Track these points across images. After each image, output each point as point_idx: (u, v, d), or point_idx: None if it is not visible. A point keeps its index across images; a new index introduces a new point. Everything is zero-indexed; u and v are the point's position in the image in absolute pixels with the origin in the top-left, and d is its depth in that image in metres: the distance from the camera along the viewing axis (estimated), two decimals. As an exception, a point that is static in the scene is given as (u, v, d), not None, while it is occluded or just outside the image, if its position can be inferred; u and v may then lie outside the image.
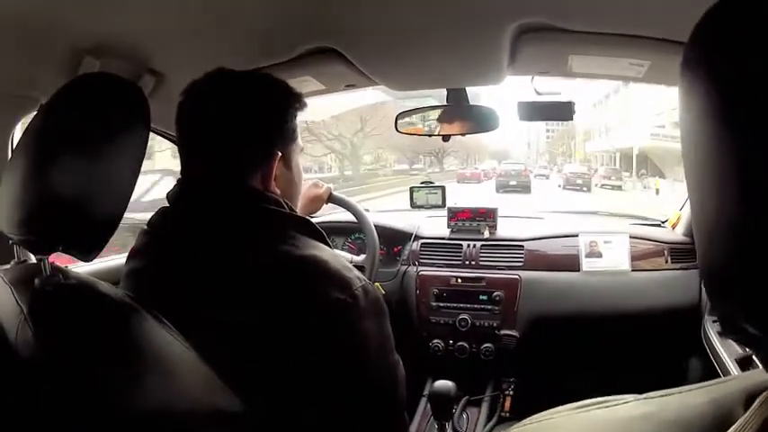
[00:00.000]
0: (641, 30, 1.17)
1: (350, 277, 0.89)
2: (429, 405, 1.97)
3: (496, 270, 2.18)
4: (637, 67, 1.34)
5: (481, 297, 2.15)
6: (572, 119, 1.63)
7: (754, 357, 1.58)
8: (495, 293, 2.13)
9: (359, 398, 0.89)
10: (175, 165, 1.06)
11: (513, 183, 24.17)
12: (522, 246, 2.22)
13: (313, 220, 1.02)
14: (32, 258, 1.10)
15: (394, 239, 2.34)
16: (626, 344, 2.17)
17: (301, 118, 1.06)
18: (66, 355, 0.63)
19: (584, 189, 24.81)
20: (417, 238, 2.33)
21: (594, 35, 1.19)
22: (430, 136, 1.81)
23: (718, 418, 0.40)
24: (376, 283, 1.89)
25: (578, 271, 2.12)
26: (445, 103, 1.73)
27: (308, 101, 1.09)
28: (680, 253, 2.14)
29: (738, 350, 1.66)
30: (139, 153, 0.78)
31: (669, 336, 2.10)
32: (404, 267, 2.28)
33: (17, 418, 0.60)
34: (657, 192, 21.17)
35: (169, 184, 1.05)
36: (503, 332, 2.10)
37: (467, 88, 1.69)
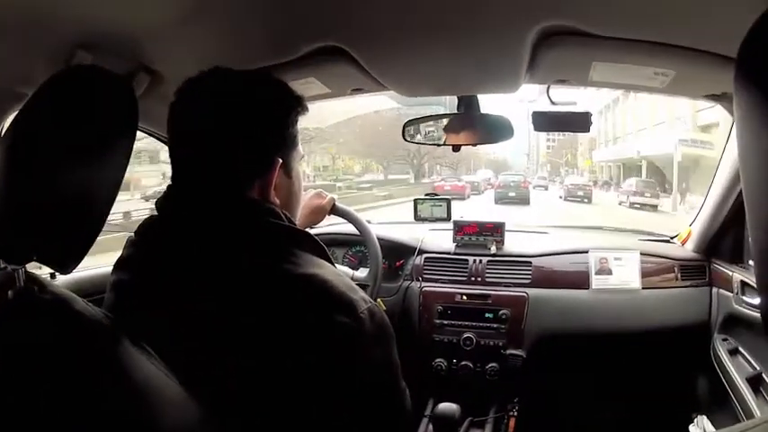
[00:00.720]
0: (669, 37, 1.14)
1: (355, 299, 0.84)
2: (431, 426, 1.94)
3: (503, 287, 2.14)
4: (661, 77, 1.31)
5: (487, 315, 2.09)
6: (588, 130, 1.59)
7: (763, 375, 1.55)
8: (501, 311, 2.08)
9: (361, 428, 0.85)
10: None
11: (511, 194, 24.23)
12: (530, 262, 2.17)
13: (312, 232, 0.98)
14: None
15: (397, 253, 2.28)
16: (635, 362, 2.15)
17: (305, 124, 1.00)
18: (26, 378, 0.61)
19: (586, 201, 24.99)
20: (421, 252, 2.28)
21: (621, 41, 1.15)
22: (439, 146, 1.77)
23: None
24: (378, 299, 1.83)
25: (587, 288, 2.08)
26: (455, 111, 1.68)
27: (313, 105, 1.03)
28: (690, 270, 2.11)
29: (749, 369, 1.66)
30: (125, 154, 0.74)
31: (678, 354, 2.08)
32: (406, 282, 2.22)
33: None
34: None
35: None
36: (509, 351, 2.05)
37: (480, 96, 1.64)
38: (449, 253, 2.27)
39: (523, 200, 23.86)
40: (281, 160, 0.92)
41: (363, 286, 1.73)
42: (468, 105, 1.64)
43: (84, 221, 0.71)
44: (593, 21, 1.08)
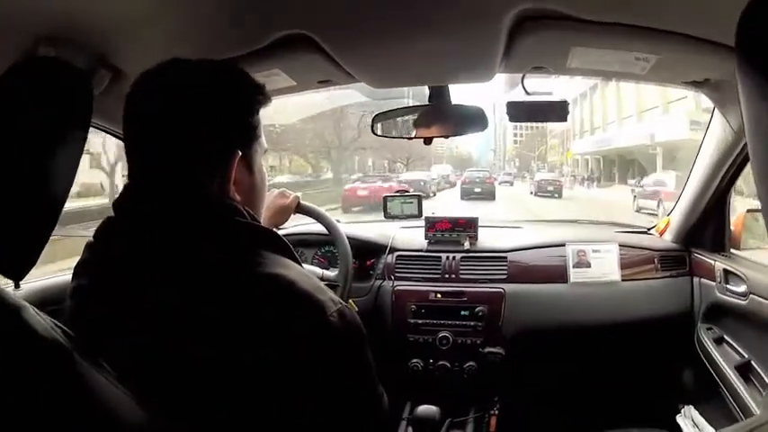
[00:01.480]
0: (651, 21, 1.13)
1: (323, 300, 0.81)
2: (410, 429, 1.92)
3: (478, 283, 2.13)
4: (642, 63, 1.30)
5: (463, 313, 2.08)
6: (566, 119, 1.58)
7: (753, 363, 1.57)
8: (477, 308, 2.06)
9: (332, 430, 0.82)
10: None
11: (477, 190, 24.66)
12: (506, 257, 2.17)
13: (279, 232, 0.93)
14: None
15: (367, 252, 2.24)
16: (618, 355, 2.15)
17: (271, 120, 0.95)
18: None
19: (556, 195, 25.40)
20: (393, 250, 2.25)
21: (601, 25, 1.14)
22: (409, 139, 1.74)
23: None
24: (349, 300, 1.80)
25: (566, 282, 2.09)
26: (426, 103, 1.65)
27: (278, 100, 0.98)
28: (670, 260, 2.14)
29: (737, 357, 1.70)
30: (77, 150, 0.73)
31: (662, 345, 2.10)
32: (378, 282, 2.19)
33: None
34: None
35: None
36: (487, 349, 2.04)
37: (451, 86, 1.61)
38: (421, 250, 2.26)
39: (489, 195, 24.29)
40: (240, 153, 0.88)
41: (333, 286, 1.70)
42: (439, 97, 1.61)
43: (34, 224, 0.68)
44: (572, 3, 1.06)
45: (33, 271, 0.72)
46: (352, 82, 1.50)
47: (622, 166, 29.40)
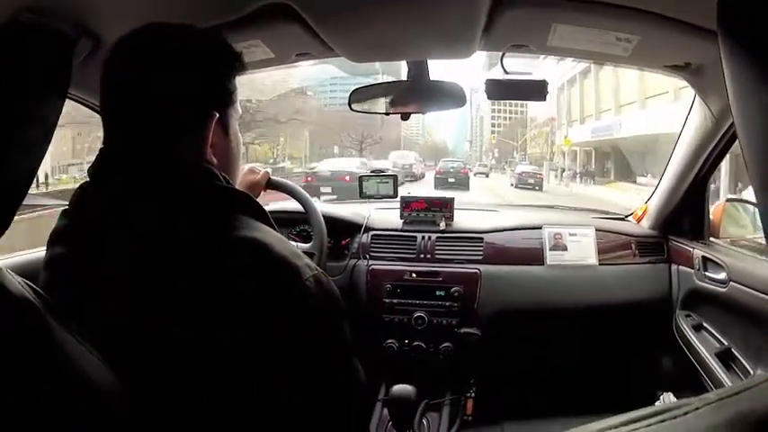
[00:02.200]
0: (636, 1, 1.15)
1: (299, 265, 0.82)
2: (386, 411, 1.94)
3: (454, 264, 2.14)
4: (624, 44, 1.31)
5: (438, 293, 2.09)
6: (545, 99, 1.61)
7: (733, 350, 1.61)
8: (453, 289, 2.08)
9: (310, 405, 0.83)
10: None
11: (451, 180, 25.15)
12: (482, 238, 2.18)
13: None
14: None
15: (342, 231, 2.24)
16: (595, 339, 2.18)
17: (248, 95, 0.95)
18: None
19: (537, 188, 25.99)
20: (368, 229, 2.26)
21: (583, 3, 1.17)
22: (387, 114, 1.75)
23: None
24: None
25: (542, 264, 2.11)
26: (404, 79, 1.66)
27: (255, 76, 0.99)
28: (648, 246, 2.17)
29: (716, 344, 1.71)
30: (53, 115, 0.73)
31: (639, 330, 2.13)
32: (353, 261, 2.19)
33: None
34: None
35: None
36: (463, 330, 2.06)
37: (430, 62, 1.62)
38: (396, 230, 2.27)
39: (463, 184, 24.61)
40: (217, 114, 0.88)
41: (311, 257, 1.69)
42: (417, 72, 1.62)
43: (5, 189, 0.68)
44: None
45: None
46: (330, 56, 1.50)
47: (619, 159, 27.61)
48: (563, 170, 33.22)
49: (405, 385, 1.57)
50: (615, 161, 28.44)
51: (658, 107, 21.53)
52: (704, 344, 1.75)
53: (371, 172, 2.37)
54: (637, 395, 2.09)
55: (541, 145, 46.15)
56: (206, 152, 0.87)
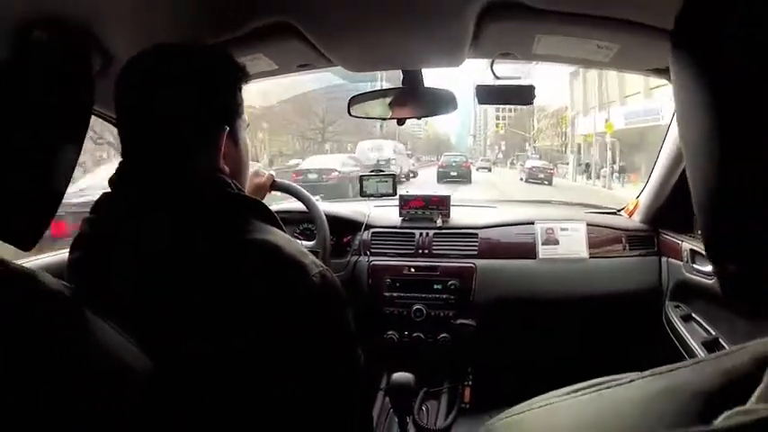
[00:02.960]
0: (611, 11, 1.21)
1: (306, 263, 0.88)
2: (387, 399, 2.02)
3: (450, 258, 2.24)
4: (605, 50, 1.38)
5: (436, 286, 2.20)
6: (532, 102, 1.69)
7: (720, 340, 1.68)
8: (449, 282, 2.18)
9: (317, 390, 0.88)
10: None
11: (453, 174, 25.44)
12: (477, 234, 2.28)
13: None
14: None
15: (343, 228, 2.35)
16: (587, 329, 2.25)
17: (252, 101, 1.04)
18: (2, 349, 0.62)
19: (546, 183, 25.92)
20: (368, 227, 2.37)
21: (563, 15, 1.22)
22: (384, 119, 1.84)
23: (736, 388, 0.41)
24: None
25: (535, 258, 2.20)
26: (400, 86, 1.74)
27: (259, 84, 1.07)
28: (638, 240, 2.23)
29: (704, 334, 1.75)
30: (80, 134, 0.77)
31: (630, 321, 2.18)
32: (354, 258, 2.30)
33: None
34: None
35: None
36: (459, 321, 2.16)
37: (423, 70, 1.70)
38: (395, 227, 2.37)
39: (465, 178, 24.89)
40: (228, 128, 0.94)
41: (316, 255, 1.79)
42: (412, 80, 1.70)
43: (41, 200, 0.73)
44: None
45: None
46: (330, 66, 1.58)
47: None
48: (587, 165, 29.61)
49: (405, 373, 1.64)
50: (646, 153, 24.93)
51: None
52: (692, 334, 1.80)
53: (371, 172, 2.46)
54: None
55: (551, 137, 43.98)
56: (219, 162, 0.93)
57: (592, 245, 2.20)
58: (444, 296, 2.19)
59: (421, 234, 2.31)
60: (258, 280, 0.83)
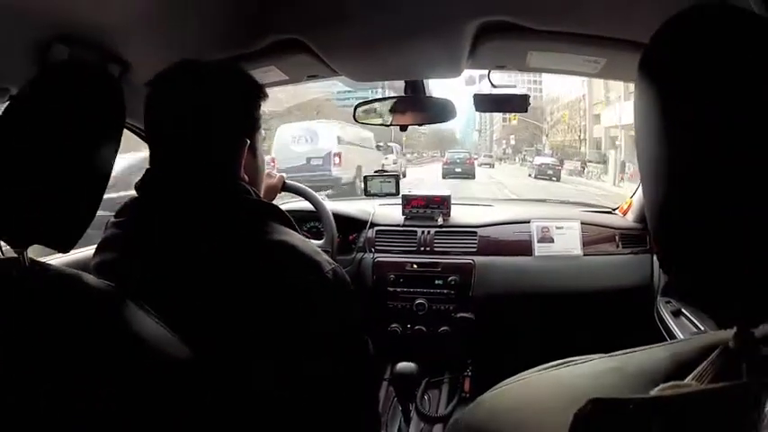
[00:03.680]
0: (599, 30, 1.29)
1: (320, 261, 0.96)
2: (391, 389, 2.12)
3: (451, 255, 2.36)
4: (593, 64, 1.46)
5: (437, 282, 2.32)
6: (526, 110, 1.81)
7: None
8: (450, 278, 2.30)
9: (330, 374, 0.96)
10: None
11: (458, 170, 25.85)
12: (476, 232, 2.39)
13: None
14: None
15: (349, 227, 2.45)
16: (581, 323, 2.33)
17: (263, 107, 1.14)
18: (54, 346, 0.66)
19: (554, 179, 26.20)
20: (373, 225, 2.48)
21: (552, 33, 1.31)
22: (388, 126, 1.95)
23: (680, 368, 0.47)
24: None
25: (531, 256, 2.31)
26: (403, 94, 1.85)
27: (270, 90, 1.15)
28: (631, 238, 2.32)
29: (692, 328, 1.82)
30: (114, 143, 0.80)
31: (623, 315, 2.24)
32: (360, 254, 2.42)
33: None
34: None
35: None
36: (459, 315, 2.28)
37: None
38: (399, 225, 2.48)
39: (469, 174, 25.23)
40: (248, 141, 1.03)
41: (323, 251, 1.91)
42: (414, 88, 1.80)
43: (81, 205, 0.76)
44: (526, 16, 1.23)
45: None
46: (335, 76, 1.67)
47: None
48: (623, 164, 25.00)
49: (408, 363, 1.74)
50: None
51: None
52: (681, 328, 1.84)
53: (375, 172, 2.55)
54: None
55: (564, 132, 42.31)
56: (240, 172, 1.02)
57: (586, 243, 2.30)
58: (445, 291, 2.30)
59: (423, 232, 2.42)
60: (278, 276, 0.91)
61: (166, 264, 0.92)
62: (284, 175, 1.81)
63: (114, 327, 0.74)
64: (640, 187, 2.18)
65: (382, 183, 2.50)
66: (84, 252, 1.67)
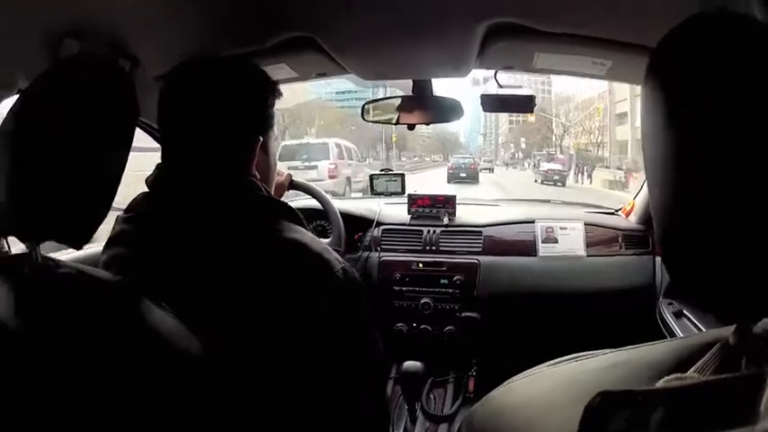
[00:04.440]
0: (605, 33, 1.31)
1: (330, 259, 0.98)
2: (397, 388, 2.13)
3: (456, 255, 2.38)
4: (599, 66, 1.49)
5: (442, 281, 2.34)
6: (532, 111, 1.84)
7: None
8: (455, 277, 2.33)
9: (340, 370, 0.97)
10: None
11: (462, 174, 26.65)
12: (481, 232, 2.42)
13: None
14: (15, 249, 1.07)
15: (355, 225, 2.47)
16: (583, 322, 2.32)
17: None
18: (69, 341, 0.67)
19: (559, 184, 26.51)
20: (379, 224, 2.51)
21: (559, 35, 1.33)
22: (395, 124, 1.98)
23: (683, 362, 0.49)
24: None
25: (535, 256, 2.34)
26: (410, 94, 1.88)
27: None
28: (634, 240, 2.34)
29: (694, 330, 1.84)
30: (127, 139, 0.81)
31: (625, 316, 2.24)
32: (365, 253, 2.44)
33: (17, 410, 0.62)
34: None
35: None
36: (464, 314, 2.30)
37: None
38: (404, 224, 2.51)
39: (473, 178, 26.09)
40: (261, 139, 1.05)
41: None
42: (421, 88, 1.84)
43: (94, 201, 0.77)
44: (534, 18, 1.25)
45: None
46: (344, 74, 1.69)
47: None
48: None
49: (414, 362, 1.77)
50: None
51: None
52: (683, 329, 1.85)
53: (381, 171, 2.60)
54: None
55: (579, 134, 40.72)
56: (252, 169, 1.04)
57: (589, 243, 2.33)
58: (450, 290, 2.33)
59: (428, 231, 2.45)
60: (289, 274, 0.93)
61: (178, 259, 0.93)
62: (291, 172, 1.83)
63: (130, 322, 0.74)
64: (643, 189, 2.25)
65: (388, 182, 2.55)
66: (93, 248, 1.67)
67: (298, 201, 2.51)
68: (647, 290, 2.23)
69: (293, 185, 1.89)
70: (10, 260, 0.83)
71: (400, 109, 1.94)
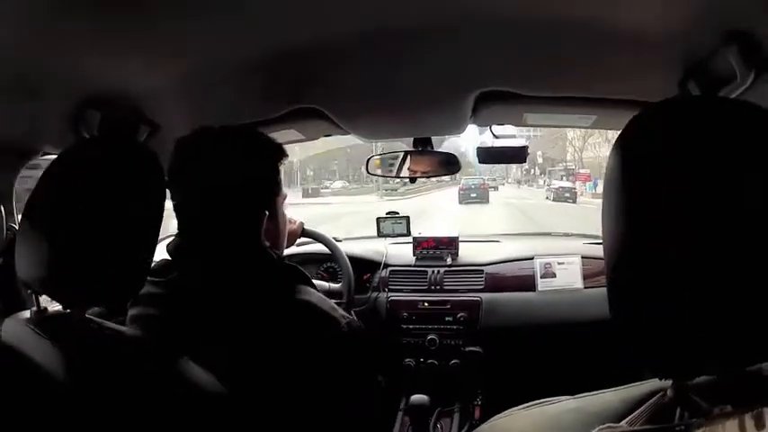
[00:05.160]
0: (587, 92, 1.38)
1: (336, 316, 1.05)
2: (406, 419, 2.27)
3: (459, 293, 2.52)
4: (585, 119, 1.58)
5: (447, 318, 2.48)
6: (525, 161, 1.97)
7: None
8: (459, 314, 2.46)
9: (346, 414, 1.05)
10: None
11: (473, 195, 27.50)
12: (482, 270, 2.56)
13: (288, 252, 1.21)
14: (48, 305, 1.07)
15: (363, 267, 2.60)
16: (582, 351, 2.40)
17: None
18: (116, 393, 0.73)
19: (570, 201, 26.84)
20: (386, 265, 2.65)
21: (545, 98, 1.41)
22: (398, 177, 2.10)
23: (626, 411, 0.52)
24: (351, 312, 2.11)
25: (534, 291, 2.46)
26: (412, 148, 1.99)
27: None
28: None
29: None
30: (158, 212, 0.88)
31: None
32: (374, 294, 2.58)
33: None
34: None
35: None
36: (468, 348, 2.44)
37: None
38: (410, 265, 2.65)
39: (483, 199, 26.61)
40: (267, 213, 1.10)
41: (340, 295, 2.08)
42: (422, 143, 1.94)
43: (132, 270, 0.83)
44: (520, 86, 1.34)
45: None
46: (349, 135, 1.80)
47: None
48: None
49: (421, 395, 1.89)
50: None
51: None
52: None
53: (387, 214, 2.75)
54: None
55: (595, 145, 38.12)
56: (260, 240, 1.10)
57: (586, 275, 2.43)
58: (454, 327, 2.46)
59: (433, 272, 2.58)
60: (301, 330, 1.00)
61: (204, 321, 1.00)
62: (303, 222, 1.96)
63: (170, 374, 0.83)
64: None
65: (394, 224, 2.71)
66: None
67: (309, 245, 2.62)
68: None
69: (305, 233, 2.02)
70: (50, 321, 0.88)
71: (402, 162, 2.05)
